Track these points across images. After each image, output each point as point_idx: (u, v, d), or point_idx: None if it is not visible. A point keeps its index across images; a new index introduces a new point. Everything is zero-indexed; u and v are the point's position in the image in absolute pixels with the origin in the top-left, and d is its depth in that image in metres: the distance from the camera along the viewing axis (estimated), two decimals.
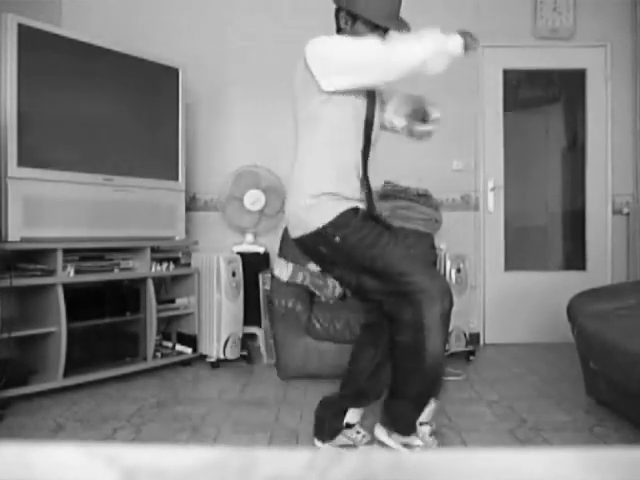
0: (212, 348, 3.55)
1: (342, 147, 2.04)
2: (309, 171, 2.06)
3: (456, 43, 1.89)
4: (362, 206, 2.08)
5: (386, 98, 2.24)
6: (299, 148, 2.10)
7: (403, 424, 2.16)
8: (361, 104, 2.05)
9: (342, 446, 2.23)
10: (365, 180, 2.10)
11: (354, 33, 2.04)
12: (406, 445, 2.16)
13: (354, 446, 2.22)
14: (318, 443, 2.23)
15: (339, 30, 2.11)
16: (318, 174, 2.04)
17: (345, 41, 1.99)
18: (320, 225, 2.01)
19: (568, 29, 4.21)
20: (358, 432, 2.25)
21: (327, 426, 2.22)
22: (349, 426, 2.24)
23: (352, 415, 2.23)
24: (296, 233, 2.10)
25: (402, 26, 2.03)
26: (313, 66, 2.00)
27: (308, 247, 2.12)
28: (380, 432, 2.22)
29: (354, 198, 2.05)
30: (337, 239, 2.00)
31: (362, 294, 2.18)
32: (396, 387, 2.11)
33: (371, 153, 2.12)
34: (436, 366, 2.05)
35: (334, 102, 1.99)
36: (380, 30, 2.02)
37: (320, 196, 2.01)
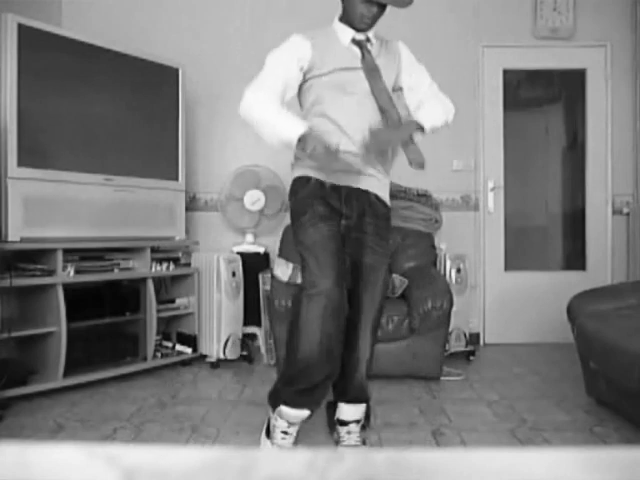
0: (212, 348, 3.55)
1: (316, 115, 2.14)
2: None
3: (295, 132, 1.95)
4: (320, 176, 2.10)
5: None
6: None
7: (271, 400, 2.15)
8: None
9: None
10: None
11: (348, 6, 2.09)
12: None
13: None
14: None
15: (342, 10, 2.16)
16: None
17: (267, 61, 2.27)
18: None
19: (568, 29, 4.21)
20: (349, 432, 2.21)
21: (328, 417, 2.26)
22: (341, 423, 2.24)
23: (344, 411, 2.23)
24: None
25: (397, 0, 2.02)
26: None
27: None
28: None
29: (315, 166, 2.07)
30: (290, 202, 2.20)
31: None
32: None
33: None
34: (306, 363, 1.99)
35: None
36: (371, 2, 2.02)
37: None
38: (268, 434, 2.15)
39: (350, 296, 2.10)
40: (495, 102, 4.29)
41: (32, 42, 2.89)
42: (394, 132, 2.04)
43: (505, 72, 4.31)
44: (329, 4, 4.20)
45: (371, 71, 2.09)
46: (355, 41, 2.12)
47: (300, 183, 2.15)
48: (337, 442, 2.21)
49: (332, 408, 2.27)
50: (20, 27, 2.83)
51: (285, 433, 2.08)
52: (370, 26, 2.10)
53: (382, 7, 2.04)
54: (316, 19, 4.20)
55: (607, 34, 4.24)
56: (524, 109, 4.54)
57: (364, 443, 2.20)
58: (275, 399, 2.12)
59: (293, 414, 2.06)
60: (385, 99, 2.09)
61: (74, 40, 3.10)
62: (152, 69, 3.49)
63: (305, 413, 2.07)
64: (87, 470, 0.37)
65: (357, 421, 2.21)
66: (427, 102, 2.21)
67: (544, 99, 4.58)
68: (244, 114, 2.12)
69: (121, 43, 3.44)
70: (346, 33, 2.12)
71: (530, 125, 4.50)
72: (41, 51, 2.95)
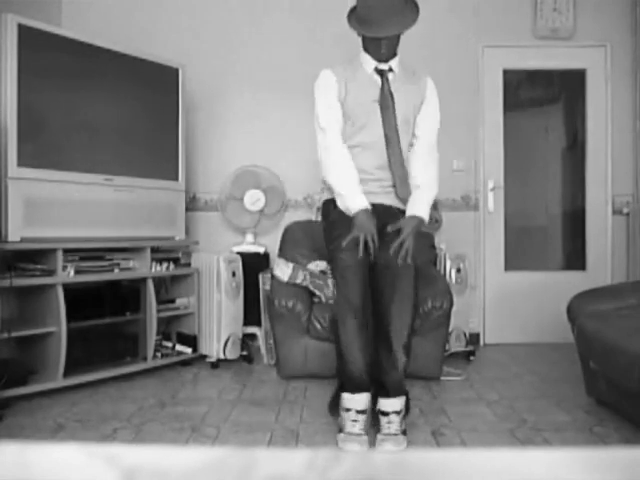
0: (212, 348, 3.55)
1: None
2: None
3: (353, 208, 2.25)
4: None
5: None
6: None
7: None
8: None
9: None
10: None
11: (363, 42, 2.35)
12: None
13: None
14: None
15: None
16: None
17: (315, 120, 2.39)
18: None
19: (568, 29, 4.21)
20: (389, 422, 2.30)
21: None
22: (382, 413, 2.30)
23: (383, 403, 2.33)
24: None
25: (377, 30, 2.21)
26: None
27: None
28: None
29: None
30: (322, 224, 2.56)
31: None
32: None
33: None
34: (351, 366, 2.28)
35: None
36: (368, 39, 2.29)
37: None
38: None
39: (382, 300, 2.32)
40: (495, 102, 4.29)
41: (32, 42, 2.89)
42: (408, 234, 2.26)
43: (505, 72, 4.30)
44: (329, 5, 4.21)
45: (385, 100, 2.32)
46: (378, 70, 2.35)
47: (330, 206, 2.42)
48: (378, 431, 2.29)
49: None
50: (20, 27, 2.83)
51: (354, 420, 2.27)
52: (387, 56, 2.31)
53: (391, 39, 2.27)
54: (316, 19, 4.21)
55: (607, 34, 4.24)
56: (524, 109, 4.54)
57: (404, 433, 2.28)
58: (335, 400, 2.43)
59: (352, 398, 2.29)
60: (392, 128, 2.33)
61: (74, 40, 3.10)
62: (152, 69, 3.49)
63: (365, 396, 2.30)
64: (87, 470, 0.37)
65: (397, 412, 2.29)
66: (416, 163, 2.46)
67: (544, 99, 4.58)
68: (323, 170, 2.38)
69: (121, 43, 3.44)
70: (370, 63, 2.36)
71: (530, 125, 4.50)
72: (41, 51, 2.95)
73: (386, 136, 2.33)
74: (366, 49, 2.33)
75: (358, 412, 2.27)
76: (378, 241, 2.23)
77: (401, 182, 2.38)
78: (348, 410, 2.27)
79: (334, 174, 2.30)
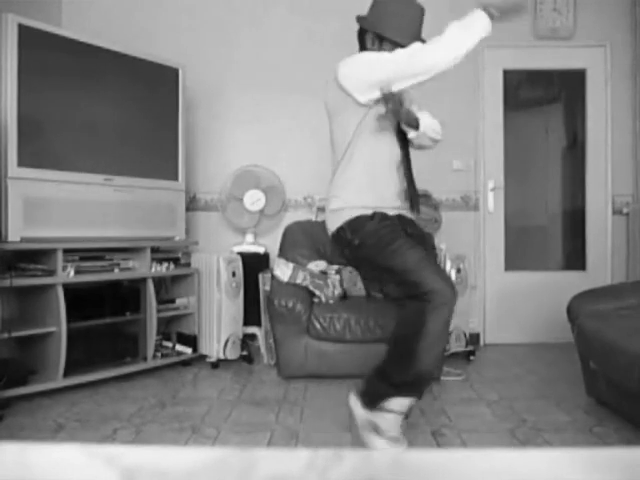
0: (212, 348, 3.55)
1: (374, 162, 2.20)
2: (343, 180, 2.22)
3: (483, 23, 1.97)
4: (388, 212, 2.19)
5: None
6: (337, 159, 2.26)
7: (370, 398, 2.14)
8: (390, 126, 2.19)
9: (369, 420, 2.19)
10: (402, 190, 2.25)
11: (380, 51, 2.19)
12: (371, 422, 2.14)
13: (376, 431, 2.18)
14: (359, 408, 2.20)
15: (364, 49, 2.24)
16: (349, 184, 2.21)
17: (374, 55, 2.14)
18: (334, 229, 2.21)
19: (568, 29, 4.21)
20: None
21: (373, 394, 2.17)
22: (388, 410, 2.16)
23: (395, 402, 2.15)
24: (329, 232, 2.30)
25: (410, 39, 2.15)
26: (346, 84, 2.12)
27: (335, 248, 2.33)
28: (353, 402, 2.19)
29: (383, 206, 2.18)
30: (356, 242, 2.16)
31: (386, 295, 2.29)
32: (383, 369, 2.12)
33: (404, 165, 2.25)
34: (426, 370, 2.07)
35: (368, 120, 2.14)
36: (392, 45, 2.16)
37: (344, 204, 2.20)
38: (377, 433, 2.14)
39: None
40: (495, 102, 4.29)
41: (32, 42, 2.89)
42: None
43: (505, 72, 4.31)
44: (329, 5, 4.21)
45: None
46: None
47: (363, 219, 2.16)
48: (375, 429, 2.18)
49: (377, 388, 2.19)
50: (20, 27, 2.83)
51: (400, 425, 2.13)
52: None
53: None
54: (316, 19, 4.21)
55: (607, 34, 4.24)
56: (524, 109, 4.54)
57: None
58: (379, 398, 2.11)
59: (405, 402, 2.10)
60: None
61: (74, 40, 3.10)
62: (152, 69, 3.49)
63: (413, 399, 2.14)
64: (87, 470, 0.37)
65: (400, 412, 2.18)
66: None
67: (544, 99, 4.58)
68: (435, 61, 2.04)
69: (121, 43, 3.44)
70: None
71: (530, 125, 4.50)
72: (41, 51, 2.95)
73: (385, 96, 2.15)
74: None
75: (400, 413, 2.13)
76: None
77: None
78: (394, 413, 2.10)
79: (445, 45, 2.02)
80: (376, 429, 2.13)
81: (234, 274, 3.57)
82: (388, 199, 2.21)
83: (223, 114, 4.25)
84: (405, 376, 2.08)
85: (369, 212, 2.16)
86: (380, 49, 2.18)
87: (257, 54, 4.24)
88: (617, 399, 2.51)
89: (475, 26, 1.98)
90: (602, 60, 4.26)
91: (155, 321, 3.35)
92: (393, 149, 2.22)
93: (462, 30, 1.99)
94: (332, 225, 2.24)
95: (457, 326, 3.56)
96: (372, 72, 2.08)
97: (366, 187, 2.19)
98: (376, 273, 2.24)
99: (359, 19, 2.24)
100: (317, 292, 3.36)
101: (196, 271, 3.63)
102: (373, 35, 2.19)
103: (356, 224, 2.17)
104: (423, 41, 2.16)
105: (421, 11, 2.17)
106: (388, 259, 2.11)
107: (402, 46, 2.12)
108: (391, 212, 2.20)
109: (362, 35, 2.26)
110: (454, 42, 2.00)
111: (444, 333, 2.08)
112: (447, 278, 2.11)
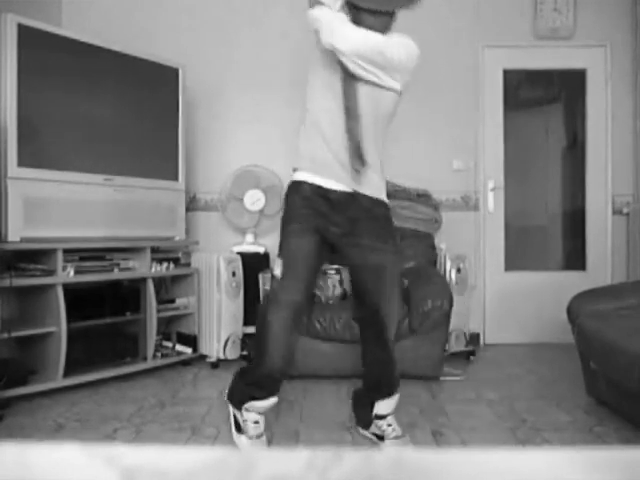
0: (212, 348, 3.55)
1: (318, 114, 2.16)
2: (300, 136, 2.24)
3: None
4: (318, 180, 2.12)
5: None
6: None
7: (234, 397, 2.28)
8: (337, 77, 2.10)
9: (372, 434, 2.31)
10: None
11: (359, 22, 2.06)
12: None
13: (382, 437, 2.27)
14: (359, 429, 2.36)
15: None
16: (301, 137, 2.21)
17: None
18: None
19: (568, 29, 4.21)
20: (389, 425, 2.27)
21: (362, 416, 2.33)
22: (380, 417, 2.28)
23: (382, 407, 2.27)
24: None
25: (382, 4, 2.03)
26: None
27: None
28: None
29: (318, 166, 2.12)
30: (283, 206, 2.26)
31: None
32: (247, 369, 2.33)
33: (362, 130, 2.09)
34: (270, 369, 2.15)
35: (320, 66, 2.17)
36: (378, 12, 2.04)
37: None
38: (239, 430, 2.26)
39: (367, 299, 2.22)
40: (495, 102, 4.29)
41: (32, 42, 2.89)
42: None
43: (505, 72, 4.30)
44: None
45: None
46: None
47: (293, 188, 2.19)
48: (382, 437, 2.28)
49: (364, 407, 2.33)
50: (20, 27, 2.83)
51: (257, 422, 2.22)
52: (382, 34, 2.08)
53: (390, 15, 2.06)
54: None
55: (607, 34, 4.24)
56: (524, 109, 4.54)
57: (404, 435, 2.29)
58: (240, 397, 2.23)
59: (263, 405, 2.21)
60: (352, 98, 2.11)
61: (74, 40, 3.10)
62: (152, 69, 3.49)
63: (273, 401, 2.23)
64: (87, 470, 0.37)
65: (391, 413, 2.30)
66: None
67: (544, 99, 4.58)
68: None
69: (121, 43, 3.44)
70: None
71: (530, 125, 4.50)
72: (41, 51, 2.95)
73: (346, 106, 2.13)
74: (355, 23, 2.04)
75: (260, 414, 2.23)
76: (350, 241, 2.16)
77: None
78: (250, 412, 2.21)
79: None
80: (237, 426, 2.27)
81: (234, 274, 3.57)
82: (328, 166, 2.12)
83: (223, 114, 4.24)
84: (253, 376, 2.21)
85: (301, 178, 2.15)
86: (358, 17, 2.07)
87: (257, 54, 4.24)
88: (617, 399, 2.51)
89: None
90: (602, 60, 4.26)
91: (155, 321, 3.35)
92: (338, 102, 2.08)
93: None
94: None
95: (457, 326, 3.56)
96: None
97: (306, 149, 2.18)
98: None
99: None
100: (317, 292, 3.36)
101: (196, 271, 3.63)
102: (347, 5, 2.08)
103: (287, 191, 2.22)
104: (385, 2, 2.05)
105: None
106: (280, 238, 2.17)
107: (354, 12, 2.06)
108: (327, 184, 2.11)
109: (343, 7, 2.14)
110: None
111: (279, 332, 2.10)
112: (296, 281, 2.10)
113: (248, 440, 2.21)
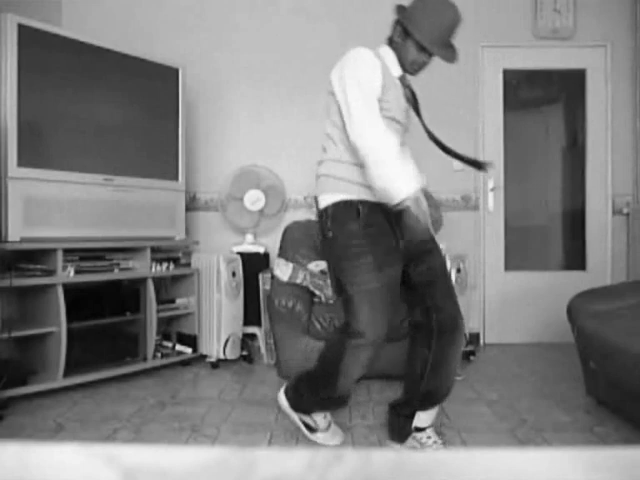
0: (212, 348, 3.55)
1: None
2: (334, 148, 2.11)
3: (404, 193, 1.87)
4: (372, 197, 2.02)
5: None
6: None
7: (295, 402, 2.28)
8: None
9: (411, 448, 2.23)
10: None
11: (402, 48, 2.10)
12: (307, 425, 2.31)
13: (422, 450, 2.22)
14: (393, 444, 2.29)
15: (391, 41, 2.15)
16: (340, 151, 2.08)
17: (354, 88, 1.99)
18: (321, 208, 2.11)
19: (568, 29, 4.21)
20: (429, 437, 2.20)
21: (398, 429, 2.26)
22: (419, 430, 2.21)
23: (422, 419, 2.21)
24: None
25: (449, 55, 2.07)
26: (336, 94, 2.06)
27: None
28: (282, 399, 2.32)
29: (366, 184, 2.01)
30: (331, 232, 2.06)
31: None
32: (309, 378, 2.26)
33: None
34: (338, 394, 2.16)
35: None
36: (426, 53, 2.08)
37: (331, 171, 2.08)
38: (311, 430, 2.30)
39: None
40: (495, 102, 4.29)
41: (32, 42, 2.89)
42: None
43: (505, 72, 4.31)
44: (329, 5, 4.21)
45: (415, 109, 2.20)
46: (401, 78, 2.15)
47: (348, 210, 2.02)
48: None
49: (404, 419, 2.25)
50: (20, 27, 2.83)
51: (324, 416, 2.30)
52: (417, 73, 2.15)
53: (431, 56, 2.10)
54: (317, 19, 4.21)
55: (607, 34, 4.24)
56: (524, 109, 4.54)
57: (444, 443, 2.26)
58: (310, 408, 2.27)
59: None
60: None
61: (74, 40, 3.10)
62: (152, 69, 3.49)
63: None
64: (87, 470, 0.37)
65: (432, 425, 2.25)
66: None
67: (544, 99, 4.58)
68: (365, 145, 1.93)
69: (121, 43, 3.44)
70: (396, 67, 2.13)
71: (530, 125, 4.50)
72: (41, 51, 2.95)
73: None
74: (402, 57, 2.10)
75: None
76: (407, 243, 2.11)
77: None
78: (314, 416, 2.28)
79: (384, 150, 1.90)
80: (308, 426, 2.30)
81: (234, 274, 3.57)
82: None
83: (223, 114, 4.25)
84: (323, 393, 2.19)
85: (354, 197, 2.01)
86: (404, 43, 2.08)
87: (257, 54, 4.24)
88: (617, 399, 2.51)
89: (397, 183, 1.88)
90: (602, 60, 4.26)
91: (155, 321, 3.35)
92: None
93: (391, 171, 1.89)
94: (322, 201, 2.10)
95: None
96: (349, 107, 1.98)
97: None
98: (332, 275, 2.20)
99: (398, 8, 2.13)
100: (317, 292, 3.36)
101: (196, 271, 3.63)
102: (402, 29, 2.08)
103: (337, 213, 2.03)
104: (452, 48, 2.08)
105: (456, 20, 2.04)
106: (345, 273, 2.04)
107: (423, 49, 2.05)
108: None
109: (395, 26, 2.14)
110: (380, 167, 1.90)
111: (357, 370, 2.10)
112: (380, 320, 2.04)
113: (325, 433, 2.29)
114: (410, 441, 2.22)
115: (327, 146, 2.15)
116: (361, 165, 2.00)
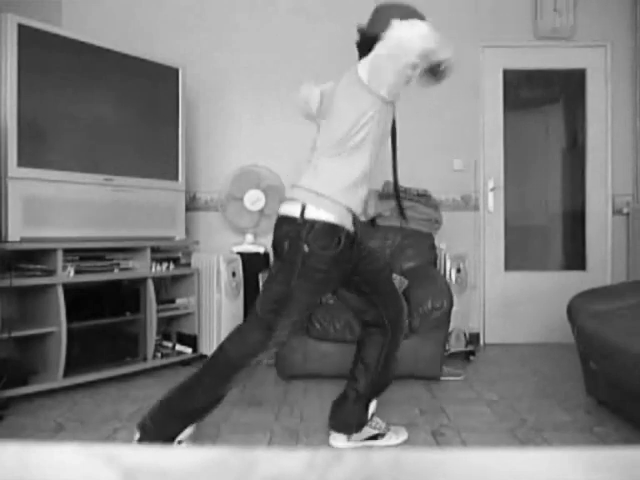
0: (212, 348, 3.54)
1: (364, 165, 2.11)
2: (328, 172, 2.12)
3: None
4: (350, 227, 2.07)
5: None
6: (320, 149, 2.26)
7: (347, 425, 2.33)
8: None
9: (369, 438, 2.32)
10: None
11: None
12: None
13: (381, 434, 2.33)
14: (343, 439, 2.31)
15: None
16: (334, 178, 2.10)
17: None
18: (301, 218, 2.01)
19: (568, 29, 4.21)
20: (378, 422, 2.35)
21: (356, 421, 2.31)
22: (372, 415, 2.34)
23: (373, 404, 2.34)
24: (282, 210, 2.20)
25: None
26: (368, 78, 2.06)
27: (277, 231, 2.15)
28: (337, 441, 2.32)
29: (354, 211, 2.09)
30: (305, 248, 1.98)
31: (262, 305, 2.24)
32: (360, 395, 2.31)
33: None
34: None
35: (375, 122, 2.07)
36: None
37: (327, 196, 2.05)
38: (376, 438, 2.34)
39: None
40: (495, 102, 4.29)
41: (32, 42, 2.89)
42: None
43: (505, 72, 4.31)
44: (330, 5, 4.21)
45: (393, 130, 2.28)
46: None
47: (332, 236, 2.01)
48: (375, 437, 2.34)
49: (360, 411, 2.32)
50: (20, 27, 2.83)
51: (375, 414, 2.35)
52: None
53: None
54: (316, 19, 4.21)
55: (607, 34, 4.24)
56: (524, 109, 4.54)
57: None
58: (359, 421, 2.32)
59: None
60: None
61: (74, 40, 3.10)
62: (152, 69, 3.49)
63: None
64: (87, 470, 0.37)
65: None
66: None
67: (544, 99, 4.58)
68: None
69: (121, 43, 3.44)
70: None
71: (530, 125, 4.50)
72: (41, 51, 2.95)
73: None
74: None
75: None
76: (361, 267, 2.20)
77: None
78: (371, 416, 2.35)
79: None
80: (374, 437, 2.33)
81: (234, 274, 3.57)
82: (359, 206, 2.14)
83: (223, 114, 4.25)
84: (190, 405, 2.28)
85: (340, 223, 2.01)
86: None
87: (257, 54, 4.24)
88: (617, 399, 2.51)
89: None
90: (602, 60, 4.26)
91: (155, 321, 3.35)
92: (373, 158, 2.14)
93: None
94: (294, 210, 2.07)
95: (457, 326, 3.56)
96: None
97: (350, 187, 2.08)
98: (280, 287, 2.06)
99: (362, 30, 2.12)
100: None
101: (196, 271, 3.63)
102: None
103: (323, 233, 1.99)
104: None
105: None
106: (299, 290, 2.02)
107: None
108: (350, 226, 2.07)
109: (363, 45, 2.12)
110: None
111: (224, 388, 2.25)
112: (280, 334, 2.17)
113: (391, 432, 2.35)
114: (365, 431, 2.32)
115: (320, 169, 2.19)
116: (352, 185, 2.06)
